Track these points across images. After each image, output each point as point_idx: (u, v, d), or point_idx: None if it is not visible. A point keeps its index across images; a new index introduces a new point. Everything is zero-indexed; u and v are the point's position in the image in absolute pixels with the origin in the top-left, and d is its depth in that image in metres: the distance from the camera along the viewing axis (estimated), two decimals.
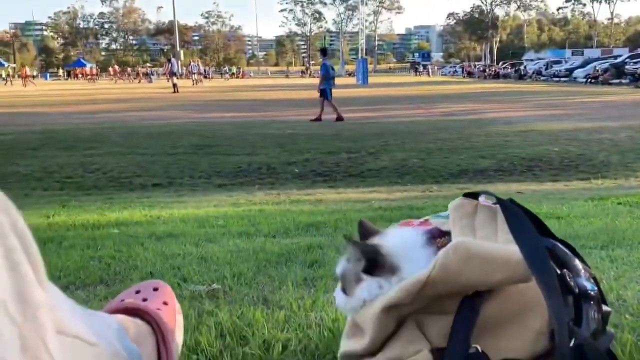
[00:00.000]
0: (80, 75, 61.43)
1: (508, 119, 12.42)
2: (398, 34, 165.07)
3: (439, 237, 1.02)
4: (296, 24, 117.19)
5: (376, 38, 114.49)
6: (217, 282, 1.66)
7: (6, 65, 50.19)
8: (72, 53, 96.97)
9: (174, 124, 12.63)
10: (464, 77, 54.93)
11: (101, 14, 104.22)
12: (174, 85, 26.81)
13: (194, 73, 39.72)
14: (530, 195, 4.80)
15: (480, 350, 0.83)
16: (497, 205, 1.02)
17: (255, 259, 2.04)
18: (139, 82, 41.52)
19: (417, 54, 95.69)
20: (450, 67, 67.10)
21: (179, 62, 67.74)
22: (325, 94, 13.14)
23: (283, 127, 11.62)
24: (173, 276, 1.77)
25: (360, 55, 63.26)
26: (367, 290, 0.92)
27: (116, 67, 64.79)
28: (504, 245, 0.89)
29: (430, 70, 66.08)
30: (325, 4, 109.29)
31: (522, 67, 47.01)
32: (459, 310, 0.85)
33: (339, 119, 12.67)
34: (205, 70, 48.39)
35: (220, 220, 3.06)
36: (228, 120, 13.61)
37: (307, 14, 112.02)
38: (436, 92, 25.67)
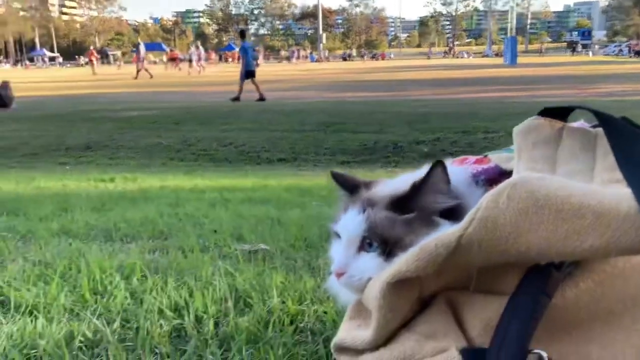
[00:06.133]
0: (230, 59, 65.64)
1: None
2: (554, 12, 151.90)
3: (496, 180, 0.69)
4: (441, 4, 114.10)
5: (529, 16, 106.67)
6: None
7: (167, 49, 55.13)
8: (224, 38, 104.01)
9: (305, 103, 12.78)
10: (630, 56, 48.90)
11: (251, 0, 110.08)
12: (137, 72, 25.70)
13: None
14: None
15: (545, 357, 0.50)
16: (598, 129, 0.63)
17: None
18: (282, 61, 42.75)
19: (576, 33, 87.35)
20: (615, 45, 59.95)
21: (321, 45, 69.19)
22: (247, 75, 13.83)
23: (416, 106, 11.15)
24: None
25: (508, 33, 59.37)
26: None
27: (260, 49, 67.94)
28: (603, 188, 0.53)
29: (591, 50, 59.84)
30: None
31: None
32: (518, 290, 0.52)
33: (237, 99, 13.47)
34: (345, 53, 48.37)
35: (324, 191, 2.84)
36: (360, 99, 13.43)
37: None
38: (595, 71, 23.05)
